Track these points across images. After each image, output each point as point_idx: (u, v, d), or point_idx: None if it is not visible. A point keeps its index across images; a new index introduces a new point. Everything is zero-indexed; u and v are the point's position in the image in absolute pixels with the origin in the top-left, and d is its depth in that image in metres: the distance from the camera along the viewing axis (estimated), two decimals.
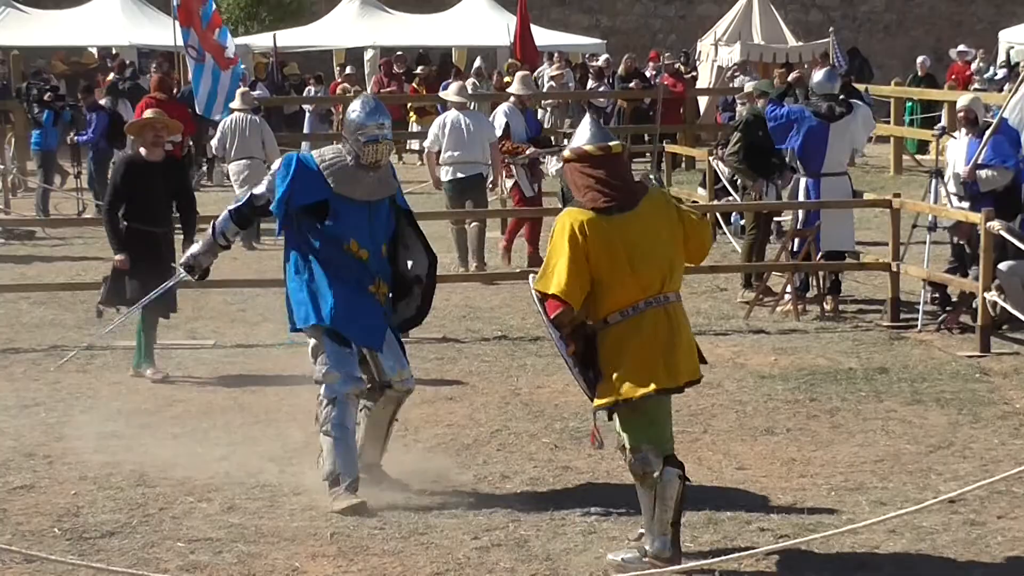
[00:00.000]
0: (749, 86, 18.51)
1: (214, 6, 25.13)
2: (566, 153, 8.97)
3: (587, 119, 9.12)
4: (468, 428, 11.58)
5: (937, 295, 15.62)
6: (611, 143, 8.76)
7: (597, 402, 8.65)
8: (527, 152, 18.49)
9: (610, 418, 8.70)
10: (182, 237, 13.45)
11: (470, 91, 24.19)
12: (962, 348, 14.35)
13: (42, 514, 9.59)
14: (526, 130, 19.29)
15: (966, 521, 9.30)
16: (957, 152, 16.01)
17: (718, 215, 19.50)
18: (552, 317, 8.44)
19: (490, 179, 19.86)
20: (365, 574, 8.55)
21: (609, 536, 9.12)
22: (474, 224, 18.53)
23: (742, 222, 18.91)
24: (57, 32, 37.72)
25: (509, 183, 19.56)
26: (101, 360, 14.11)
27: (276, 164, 10.40)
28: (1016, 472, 9.56)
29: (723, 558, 8.55)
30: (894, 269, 15.69)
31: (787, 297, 16.10)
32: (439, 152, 19.44)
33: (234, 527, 9.33)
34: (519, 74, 21.86)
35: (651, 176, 19.59)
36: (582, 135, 8.80)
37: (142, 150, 13.50)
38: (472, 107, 20.92)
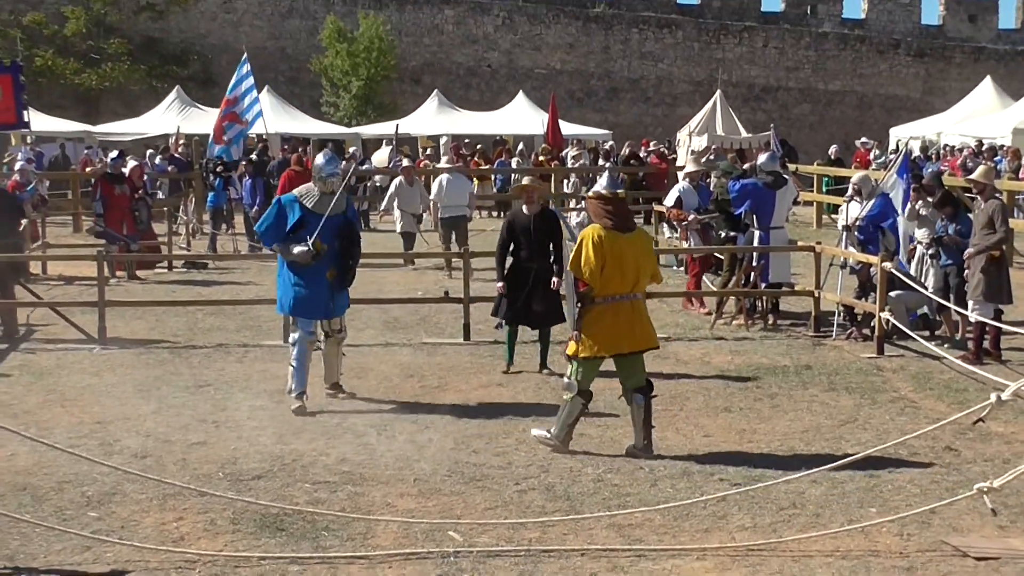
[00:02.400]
0: (715, 174, 18.32)
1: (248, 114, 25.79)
2: (591, 193, 10.40)
3: (606, 174, 10.57)
4: (512, 406, 11.52)
5: (846, 314, 15.54)
6: (619, 191, 10.23)
7: (570, 352, 9.96)
8: (690, 219, 18.04)
9: (574, 359, 9.92)
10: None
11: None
12: (864, 351, 14.25)
13: (210, 462, 9.61)
14: (699, 202, 18.24)
15: (866, 474, 9.24)
16: (851, 212, 16.06)
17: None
18: (582, 291, 9.79)
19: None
20: (438, 508, 8.52)
21: (612, 483, 9.08)
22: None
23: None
24: None
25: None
26: (253, 355, 14.11)
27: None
28: (902, 439, 9.50)
29: (692, 500, 8.52)
30: (816, 295, 15.63)
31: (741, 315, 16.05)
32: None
33: (345, 473, 9.32)
34: (691, 156, 22.18)
35: None
36: (601, 183, 10.28)
37: (524, 207, 13.12)
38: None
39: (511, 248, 13.05)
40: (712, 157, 32.72)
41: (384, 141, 37.07)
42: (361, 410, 11.38)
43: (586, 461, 9.67)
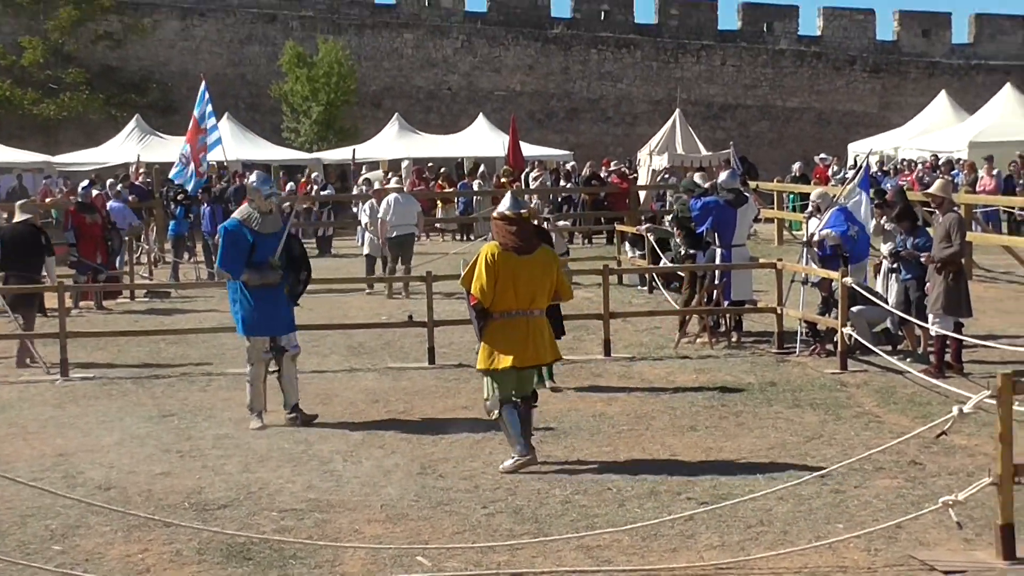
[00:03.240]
0: (671, 194, 18.52)
1: (208, 140, 25.55)
2: (495, 213, 10.41)
3: (508, 195, 10.60)
4: (478, 427, 11.47)
5: (809, 330, 15.59)
6: (521, 211, 10.31)
7: (479, 367, 10.21)
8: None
9: (486, 374, 10.13)
10: None
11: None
12: (827, 367, 14.30)
13: (175, 492, 9.53)
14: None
15: (832, 490, 9.26)
16: (811, 227, 16.27)
17: (654, 275, 19.59)
18: (473, 304, 10.12)
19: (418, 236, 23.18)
20: (405, 533, 8.48)
21: (580, 504, 9.05)
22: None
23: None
24: None
25: None
26: (216, 383, 14.04)
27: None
28: (866, 455, 9.52)
29: (660, 519, 8.51)
30: (778, 312, 15.68)
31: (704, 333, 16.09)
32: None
33: (312, 501, 9.26)
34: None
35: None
36: (504, 204, 10.33)
37: None
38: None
39: None
40: (667, 177, 32.98)
41: (360, 166, 36.95)
42: (327, 436, 11.32)
43: (553, 483, 9.64)
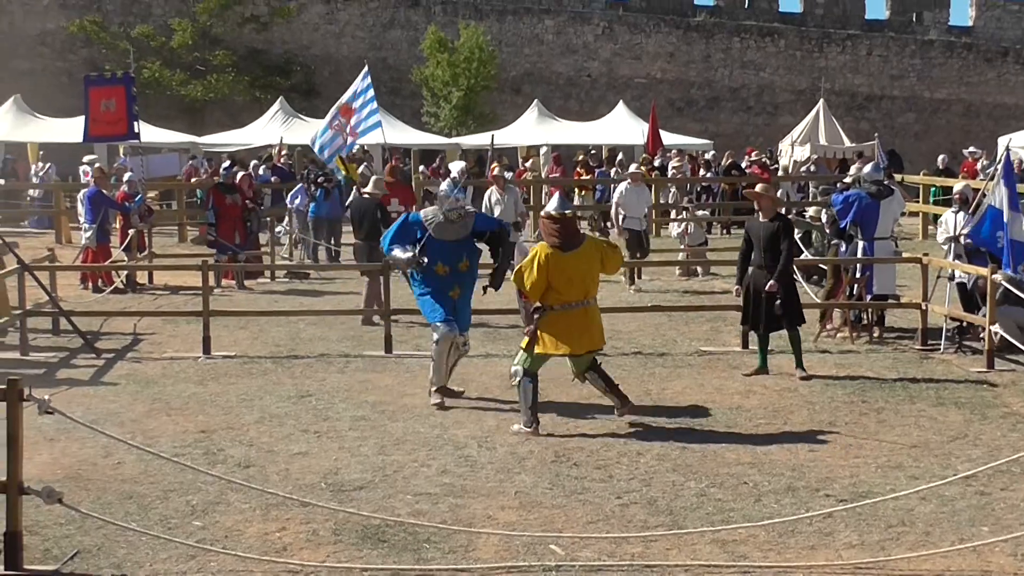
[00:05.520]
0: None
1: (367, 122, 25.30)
2: (542, 213, 11.43)
3: (556, 195, 11.75)
4: (614, 419, 11.42)
5: (956, 328, 15.25)
6: (566, 211, 11.16)
7: (536, 350, 10.98)
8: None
9: (526, 351, 11.02)
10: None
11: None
12: (973, 365, 13.98)
13: (312, 473, 9.66)
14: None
15: (977, 492, 9.06)
16: (950, 222, 16.08)
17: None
18: (524, 300, 11.52)
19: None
20: (539, 521, 8.48)
21: (716, 498, 8.97)
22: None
23: None
24: None
25: None
26: (354, 365, 14.19)
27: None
28: (1015, 457, 9.27)
29: (798, 516, 8.39)
30: (923, 308, 15.35)
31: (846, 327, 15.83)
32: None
33: (446, 485, 9.32)
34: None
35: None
36: (551, 204, 11.22)
37: (760, 215, 13.61)
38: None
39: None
40: (812, 168, 32.53)
41: (458, 154, 37.09)
42: (461, 421, 11.38)
43: (689, 475, 9.58)
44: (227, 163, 23.98)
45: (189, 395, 12.55)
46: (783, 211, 15.46)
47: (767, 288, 13.15)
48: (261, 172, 30.09)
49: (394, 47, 47.91)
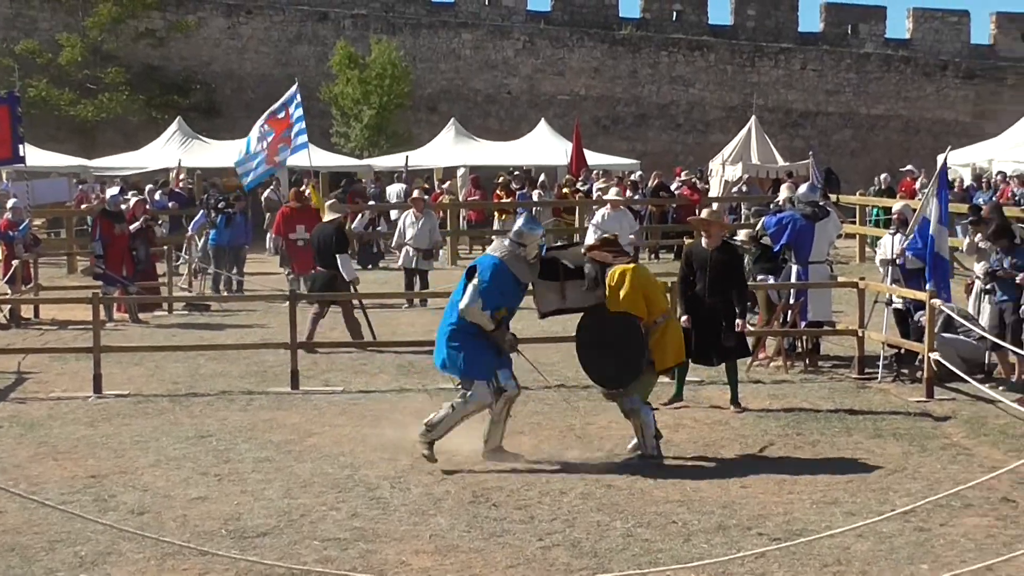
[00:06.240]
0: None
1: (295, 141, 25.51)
2: (589, 245, 11.98)
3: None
4: (535, 455, 11.45)
5: (894, 355, 15.48)
6: (606, 234, 12.77)
7: (667, 365, 11.65)
8: None
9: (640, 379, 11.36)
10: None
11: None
12: (912, 395, 14.18)
13: (212, 519, 9.59)
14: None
15: (916, 528, 9.18)
16: (888, 245, 16.31)
17: None
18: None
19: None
20: (456, 567, 8.48)
21: (643, 538, 9.02)
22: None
23: None
24: (230, 156, 37.98)
25: None
26: (258, 402, 14.12)
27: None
28: (955, 491, 9.41)
29: (729, 556, 8.46)
30: (860, 334, 15.56)
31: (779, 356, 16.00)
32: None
33: (357, 530, 9.29)
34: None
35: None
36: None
37: (704, 241, 13.65)
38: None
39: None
40: (745, 188, 32.87)
41: (395, 175, 37.24)
42: (373, 461, 11.35)
43: (614, 514, 9.62)
44: (116, 188, 23.72)
45: (78, 437, 12.40)
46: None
47: (738, 329, 13.36)
48: (157, 197, 29.91)
49: (301, 63, 47.77)
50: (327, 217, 19.03)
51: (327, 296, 17.91)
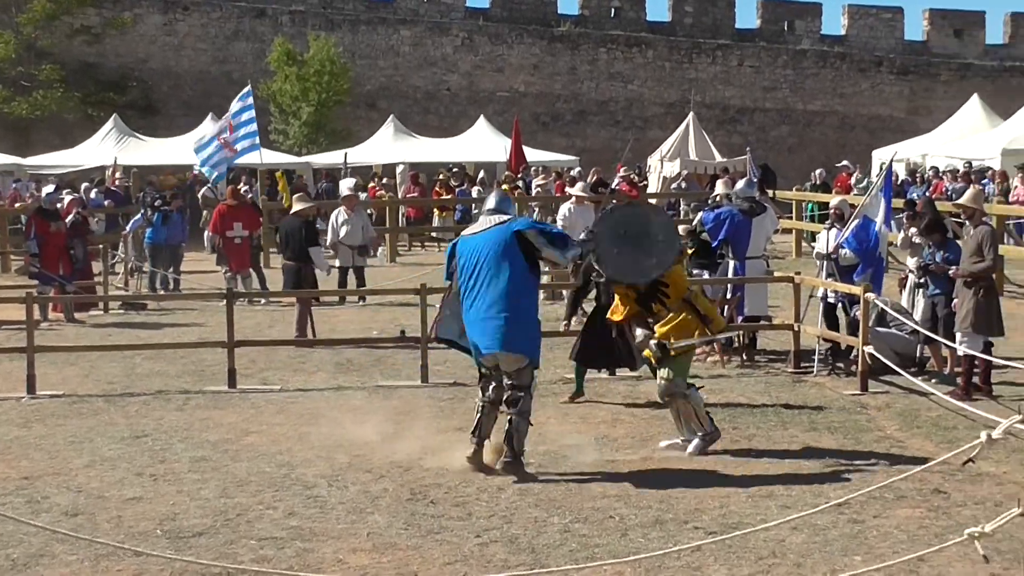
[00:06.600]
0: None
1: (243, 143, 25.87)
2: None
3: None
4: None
5: (829, 349, 15.60)
6: None
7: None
8: None
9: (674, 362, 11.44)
10: None
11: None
12: (847, 388, 14.30)
13: (147, 519, 9.51)
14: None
15: (850, 520, 9.25)
16: (824, 240, 16.36)
17: None
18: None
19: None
20: (393, 564, 8.46)
21: (580, 534, 9.03)
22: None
23: None
24: (167, 154, 37.80)
25: None
26: (195, 402, 14.03)
27: None
28: (887, 482, 9.48)
29: (666, 550, 8.48)
30: (795, 329, 15.67)
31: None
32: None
33: (293, 529, 9.25)
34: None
35: None
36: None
37: None
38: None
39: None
40: (683, 185, 33.03)
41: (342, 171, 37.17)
42: (311, 460, 11.30)
43: (552, 510, 9.62)
44: (51, 187, 23.50)
45: (11, 439, 12.28)
46: None
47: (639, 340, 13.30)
48: (93, 196, 29.63)
49: (239, 60, 47.60)
50: (295, 209, 19.31)
51: (266, 293, 17.82)
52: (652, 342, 11.40)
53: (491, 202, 11.14)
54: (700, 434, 11.40)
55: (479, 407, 10.84)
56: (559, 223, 19.88)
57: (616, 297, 11.75)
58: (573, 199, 21.16)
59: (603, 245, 11.21)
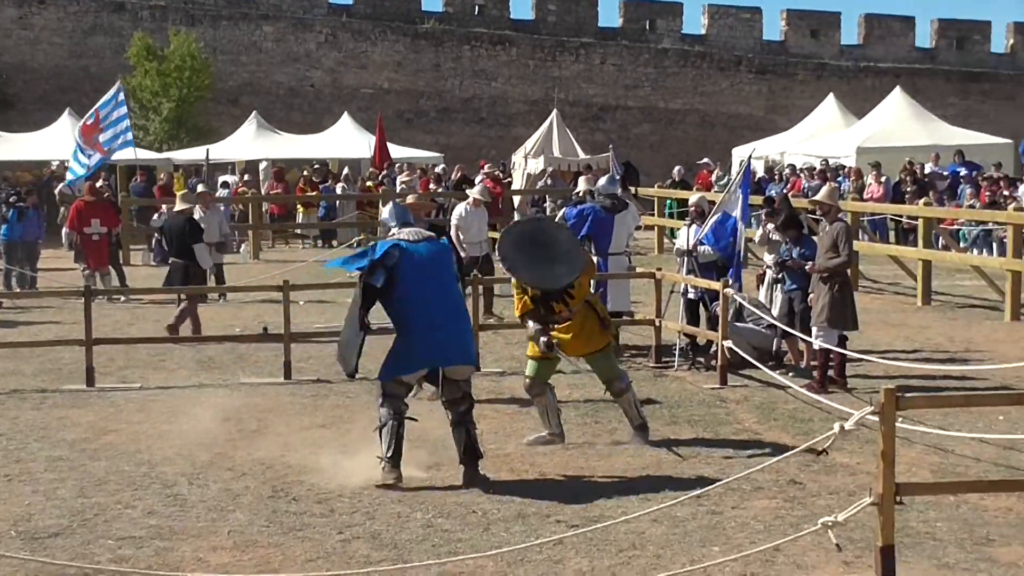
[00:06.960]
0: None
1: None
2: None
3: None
4: (337, 449, 11.38)
5: (689, 343, 15.81)
6: None
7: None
8: None
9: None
10: None
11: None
12: (707, 382, 14.50)
13: (1, 520, 9.32)
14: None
15: (709, 511, 9.39)
16: (684, 236, 16.61)
17: None
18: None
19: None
20: (254, 562, 8.39)
21: (443, 528, 9.04)
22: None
23: None
24: (22, 150, 37.06)
25: None
26: (51, 401, 13.78)
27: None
28: (745, 474, 9.63)
29: (527, 544, 8.52)
30: (657, 324, 15.86)
31: None
32: None
33: (153, 528, 9.13)
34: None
35: None
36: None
37: None
38: None
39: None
40: (549, 181, 33.20)
41: (215, 167, 36.74)
42: (171, 458, 11.16)
43: (415, 505, 9.62)
44: None
45: None
46: None
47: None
48: None
49: (97, 55, 46.74)
50: (178, 207, 19.18)
51: (126, 291, 17.53)
52: (542, 339, 11.43)
53: (407, 216, 11.26)
54: (547, 432, 11.67)
55: (392, 428, 10.35)
56: (453, 223, 19.80)
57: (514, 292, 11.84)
58: (470, 200, 20.97)
59: (511, 256, 11.43)
